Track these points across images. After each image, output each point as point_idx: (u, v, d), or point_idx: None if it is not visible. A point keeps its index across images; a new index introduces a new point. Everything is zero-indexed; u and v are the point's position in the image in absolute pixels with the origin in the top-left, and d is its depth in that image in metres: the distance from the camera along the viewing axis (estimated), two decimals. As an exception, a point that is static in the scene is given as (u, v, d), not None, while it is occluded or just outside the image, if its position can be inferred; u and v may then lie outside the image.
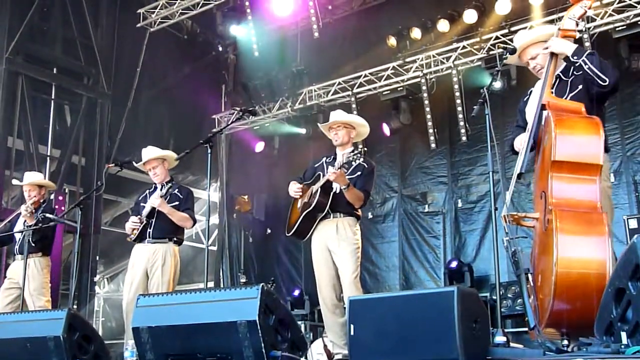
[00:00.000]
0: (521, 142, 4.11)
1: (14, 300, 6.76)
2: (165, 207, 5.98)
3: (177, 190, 6.24)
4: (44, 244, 6.81)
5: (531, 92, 4.41)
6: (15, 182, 7.41)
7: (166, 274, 5.98)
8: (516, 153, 4.19)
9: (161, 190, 6.11)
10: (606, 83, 3.92)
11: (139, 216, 6.11)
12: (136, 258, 6.10)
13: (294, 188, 5.56)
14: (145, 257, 6.03)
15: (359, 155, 5.05)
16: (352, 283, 5.27)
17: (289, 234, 5.64)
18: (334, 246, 5.36)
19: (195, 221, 6.30)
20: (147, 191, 6.38)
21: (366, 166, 5.41)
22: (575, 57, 4.03)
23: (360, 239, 5.48)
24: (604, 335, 3.02)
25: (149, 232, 6.04)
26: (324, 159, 5.72)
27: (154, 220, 6.04)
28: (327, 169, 5.38)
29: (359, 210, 5.54)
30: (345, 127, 5.62)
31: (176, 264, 6.11)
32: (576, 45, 4.08)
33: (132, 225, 6.10)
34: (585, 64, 3.97)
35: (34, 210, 6.77)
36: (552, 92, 4.07)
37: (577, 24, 4.16)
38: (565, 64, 4.18)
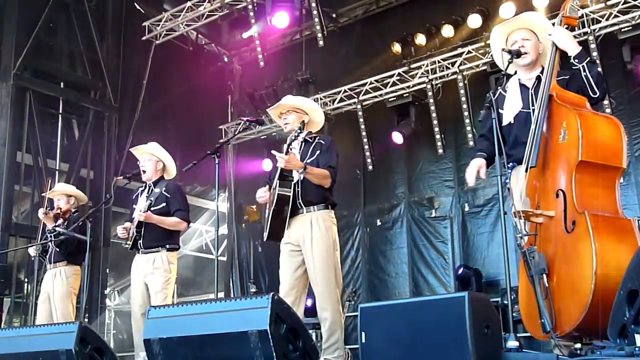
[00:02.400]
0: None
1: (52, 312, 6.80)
2: (153, 219, 5.86)
3: (163, 189, 6.05)
4: (70, 252, 6.81)
5: (502, 94, 4.31)
6: (46, 194, 7.42)
7: (159, 280, 5.87)
8: (490, 161, 4.11)
9: (147, 197, 6.05)
10: (596, 95, 3.92)
11: (123, 227, 6.04)
12: (133, 271, 6.05)
13: (258, 194, 5.20)
14: (140, 268, 5.97)
15: (299, 132, 4.72)
16: (324, 285, 4.83)
17: (265, 239, 5.20)
18: (307, 245, 4.93)
19: (188, 221, 6.10)
20: (138, 192, 6.27)
21: (323, 142, 5.07)
22: (576, 60, 3.97)
23: (336, 234, 5.05)
24: (618, 338, 3.00)
25: (140, 242, 5.95)
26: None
27: (143, 230, 5.93)
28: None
29: (332, 195, 5.11)
30: (296, 112, 5.24)
31: (172, 270, 5.96)
32: (580, 48, 4.02)
33: (120, 235, 6.05)
34: (584, 70, 3.92)
35: (52, 214, 6.83)
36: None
37: (578, 11, 4.08)
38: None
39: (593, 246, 3.40)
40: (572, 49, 4.00)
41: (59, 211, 6.96)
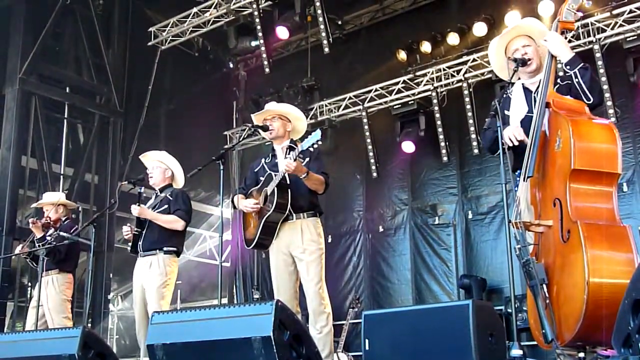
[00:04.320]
0: (510, 135, 3.96)
1: (41, 317, 6.82)
2: (146, 214, 5.86)
3: (169, 194, 6.08)
4: (58, 260, 6.84)
5: (509, 96, 4.30)
6: (34, 205, 7.55)
7: (155, 283, 5.84)
8: (493, 151, 4.03)
9: (155, 198, 6.07)
10: (590, 102, 3.89)
11: (129, 225, 6.05)
12: (135, 274, 6.06)
13: (251, 203, 5.13)
14: (139, 272, 5.98)
15: (315, 138, 4.64)
16: (317, 293, 4.92)
17: (250, 247, 5.22)
18: (298, 252, 4.99)
19: (186, 220, 6.03)
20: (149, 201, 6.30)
21: (312, 150, 4.97)
22: (567, 67, 3.96)
23: (324, 241, 5.10)
24: (622, 347, 2.99)
25: (140, 244, 5.96)
26: (262, 160, 5.40)
27: (144, 231, 5.94)
28: (269, 169, 5.15)
29: (319, 204, 5.17)
30: (281, 119, 5.27)
31: (169, 273, 5.92)
32: (573, 54, 4.01)
33: (124, 235, 6.07)
34: (576, 77, 3.90)
35: (40, 223, 6.88)
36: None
37: (575, 15, 4.03)
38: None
39: (585, 256, 3.38)
40: (565, 55, 3.98)
41: (48, 220, 7.00)
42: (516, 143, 3.94)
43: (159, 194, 6.13)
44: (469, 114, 9.85)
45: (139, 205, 5.88)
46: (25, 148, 10.32)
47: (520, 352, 3.41)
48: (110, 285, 11.47)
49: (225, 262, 12.41)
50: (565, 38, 4.10)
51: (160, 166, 6.20)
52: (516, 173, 4.13)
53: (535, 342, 3.88)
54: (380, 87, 10.73)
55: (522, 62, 4.16)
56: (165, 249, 5.97)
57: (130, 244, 6.01)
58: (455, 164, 10.47)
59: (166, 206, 6.01)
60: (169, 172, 6.21)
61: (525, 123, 4.15)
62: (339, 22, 11.47)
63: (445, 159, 10.25)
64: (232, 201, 5.48)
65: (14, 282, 10.03)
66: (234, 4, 10.57)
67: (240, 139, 9.58)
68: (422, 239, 10.60)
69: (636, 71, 8.55)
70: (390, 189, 11.06)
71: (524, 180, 3.88)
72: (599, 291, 3.32)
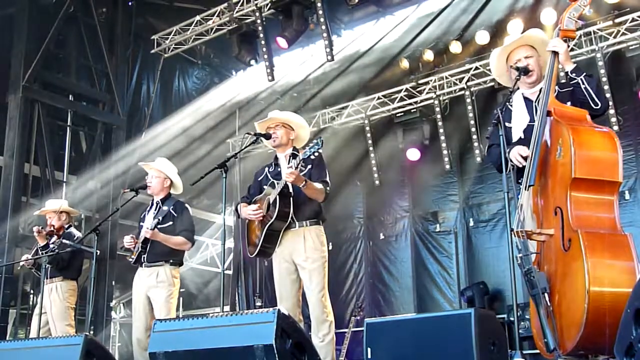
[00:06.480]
0: (515, 155, 3.98)
1: (44, 324, 6.82)
2: (159, 237, 5.86)
3: (172, 207, 6.05)
4: (62, 268, 6.85)
5: (509, 108, 4.28)
6: (37, 212, 7.56)
7: (163, 294, 5.85)
8: (501, 170, 3.98)
9: (155, 215, 6.05)
10: (598, 107, 3.94)
11: (131, 235, 6.04)
12: (136, 284, 6.03)
13: (252, 210, 5.09)
14: (142, 282, 5.95)
15: (316, 147, 4.61)
16: (320, 301, 4.90)
17: (253, 255, 5.18)
18: (301, 260, 4.97)
19: (193, 242, 6.10)
20: (146, 210, 6.26)
21: (313, 157, 4.85)
22: (573, 74, 4.00)
23: (326, 249, 5.08)
24: (624, 356, 2.98)
25: (144, 257, 5.94)
26: (266, 169, 5.38)
27: (148, 245, 5.93)
28: (272, 177, 5.13)
29: (322, 210, 5.16)
30: (284, 127, 5.24)
31: (175, 284, 5.95)
32: (575, 64, 4.05)
33: (125, 245, 6.04)
34: (583, 83, 3.95)
35: (45, 232, 6.89)
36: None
37: (576, 23, 4.05)
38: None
39: (585, 264, 3.37)
40: (570, 63, 4.03)
41: (51, 229, 7.02)
42: (524, 163, 3.93)
43: (161, 205, 6.11)
44: (471, 122, 9.87)
45: (152, 230, 5.86)
46: (28, 155, 10.34)
47: (523, 360, 3.41)
48: (113, 293, 11.46)
49: (228, 270, 12.41)
50: (568, 46, 4.10)
51: (160, 176, 6.19)
52: (519, 181, 4.13)
53: (537, 351, 3.87)
54: (382, 95, 10.74)
55: (524, 71, 4.17)
56: (172, 260, 5.99)
57: (133, 256, 6.00)
58: (456, 171, 10.48)
59: (170, 223, 5.99)
60: (168, 181, 6.21)
61: (528, 132, 4.15)
62: (342, 29, 11.49)
63: (447, 166, 10.26)
64: (236, 210, 5.48)
65: (16, 289, 10.02)
66: (237, 12, 10.60)
67: (243, 147, 9.54)
68: (423, 247, 10.60)
69: (638, 80, 8.56)
70: (391, 196, 11.07)
71: (525, 189, 3.88)
72: (600, 300, 3.32)
